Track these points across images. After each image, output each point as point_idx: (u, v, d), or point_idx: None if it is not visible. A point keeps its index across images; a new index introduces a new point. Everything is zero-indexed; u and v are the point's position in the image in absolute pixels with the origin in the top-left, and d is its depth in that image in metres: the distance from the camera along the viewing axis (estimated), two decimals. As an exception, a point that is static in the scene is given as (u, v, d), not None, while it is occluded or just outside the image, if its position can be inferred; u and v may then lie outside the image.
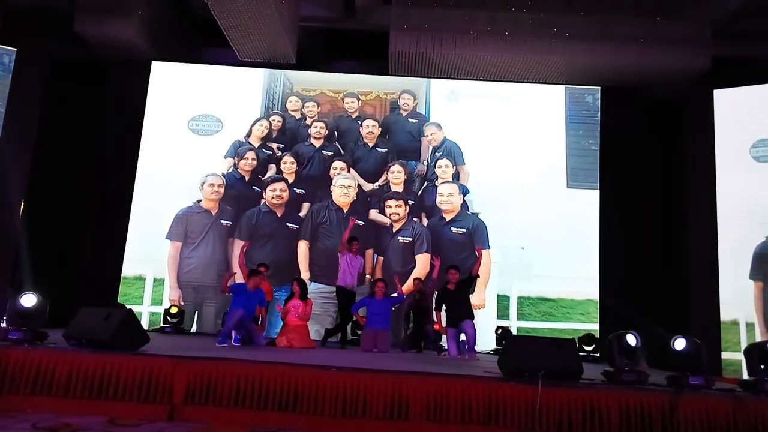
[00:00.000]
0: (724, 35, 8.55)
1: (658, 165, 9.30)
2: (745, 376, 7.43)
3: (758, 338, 7.87)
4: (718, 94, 8.79)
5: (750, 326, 8.10)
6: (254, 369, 4.32)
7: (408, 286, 8.23)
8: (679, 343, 4.77)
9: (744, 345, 7.75)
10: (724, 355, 8.13)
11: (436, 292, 7.74)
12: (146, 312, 8.86)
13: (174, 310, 8.53)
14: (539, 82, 9.36)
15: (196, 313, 8.89)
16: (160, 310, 8.72)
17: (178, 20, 9.46)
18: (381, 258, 8.99)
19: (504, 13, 8.40)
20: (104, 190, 9.08)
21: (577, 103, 9.56)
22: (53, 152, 8.89)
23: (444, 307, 7.43)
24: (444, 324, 7.43)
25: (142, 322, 8.34)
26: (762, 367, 4.67)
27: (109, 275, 8.87)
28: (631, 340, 4.76)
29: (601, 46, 8.39)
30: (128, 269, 8.99)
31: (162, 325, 8.46)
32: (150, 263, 8.97)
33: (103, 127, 9.15)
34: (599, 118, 9.46)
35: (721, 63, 8.44)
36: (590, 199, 9.20)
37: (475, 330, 7.05)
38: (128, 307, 5.98)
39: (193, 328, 8.82)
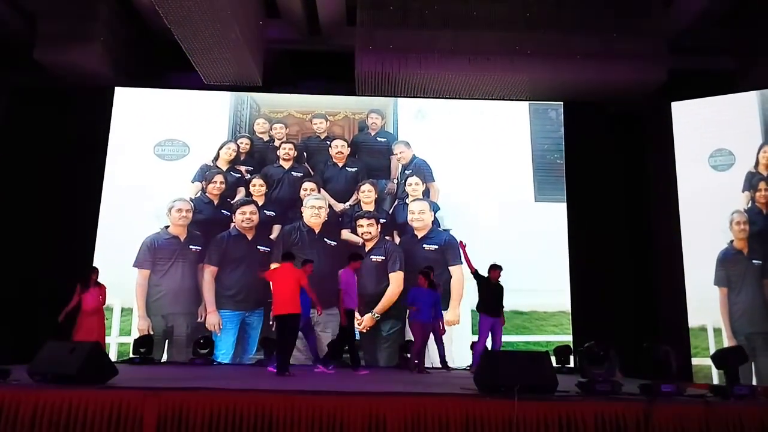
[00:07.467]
0: (679, 50, 8.86)
1: (622, 176, 9.51)
2: (716, 381, 7.62)
3: (726, 343, 8.04)
4: (675, 106, 9.08)
5: (717, 331, 8.28)
6: (227, 397, 4.23)
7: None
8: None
9: (713, 350, 7.93)
10: (695, 361, 8.28)
11: (474, 271, 7.42)
12: (114, 343, 8.62)
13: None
14: (504, 99, 9.53)
15: (167, 341, 8.69)
16: (129, 340, 8.50)
17: (142, 45, 9.38)
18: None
19: (467, 32, 8.55)
20: (69, 219, 8.86)
21: (541, 119, 9.75)
22: (15, 181, 8.69)
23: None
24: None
25: (110, 354, 8.13)
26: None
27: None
28: (604, 350, 4.81)
29: (562, 62, 8.58)
30: (95, 299, 8.75)
31: (132, 355, 8.24)
32: (117, 292, 8.70)
33: (67, 155, 8.96)
34: (563, 132, 9.66)
35: (677, 76, 8.74)
36: (558, 212, 9.35)
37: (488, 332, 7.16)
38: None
39: (164, 358, 8.61)
